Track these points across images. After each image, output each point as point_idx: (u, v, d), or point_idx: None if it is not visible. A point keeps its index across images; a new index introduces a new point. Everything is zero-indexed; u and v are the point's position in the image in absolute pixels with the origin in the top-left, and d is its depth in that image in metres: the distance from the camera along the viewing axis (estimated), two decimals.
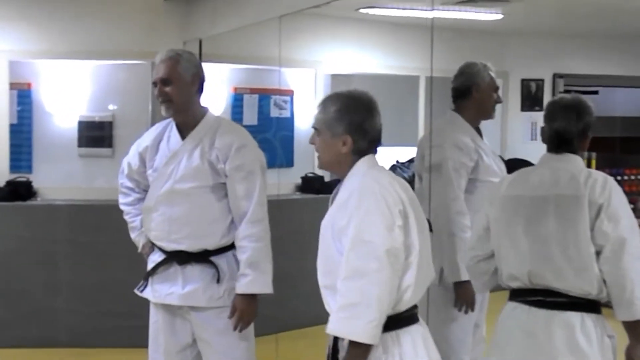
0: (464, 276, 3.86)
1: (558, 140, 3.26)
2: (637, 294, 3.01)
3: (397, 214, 2.63)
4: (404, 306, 2.67)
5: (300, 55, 7.38)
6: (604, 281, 3.05)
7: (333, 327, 2.60)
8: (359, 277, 2.55)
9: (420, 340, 2.72)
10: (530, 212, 3.20)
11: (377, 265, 2.55)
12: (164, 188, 3.60)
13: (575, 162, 3.21)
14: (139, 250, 3.86)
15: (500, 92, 4.27)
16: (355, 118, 2.74)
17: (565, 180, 3.16)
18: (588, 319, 3.08)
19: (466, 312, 4.01)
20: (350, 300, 2.55)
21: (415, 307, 2.76)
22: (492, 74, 4.18)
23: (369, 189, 2.66)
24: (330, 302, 2.69)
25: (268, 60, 6.85)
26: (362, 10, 7.00)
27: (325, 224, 2.75)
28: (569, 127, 3.23)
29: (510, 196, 3.31)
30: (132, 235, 3.87)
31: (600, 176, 3.12)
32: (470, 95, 4.16)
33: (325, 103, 2.81)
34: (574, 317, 3.08)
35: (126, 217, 3.89)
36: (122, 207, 3.90)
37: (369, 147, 2.79)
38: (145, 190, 3.85)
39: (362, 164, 2.76)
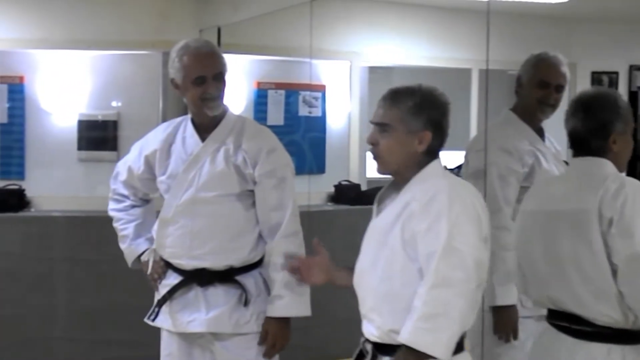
0: (501, 300, 3.91)
1: (573, 143, 3.27)
2: None
3: (485, 224, 2.82)
4: (466, 327, 2.81)
5: (334, 45, 7.42)
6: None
7: (410, 338, 2.70)
8: (447, 287, 2.69)
9: None
10: (546, 230, 3.23)
11: (465, 276, 2.70)
12: (184, 197, 3.65)
13: (597, 167, 3.19)
14: (130, 264, 3.92)
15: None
16: (434, 114, 2.88)
17: (577, 192, 3.16)
18: (616, 352, 3.08)
19: (507, 340, 4.05)
20: (434, 310, 2.68)
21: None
22: (548, 67, 4.18)
23: (458, 194, 2.80)
24: (384, 311, 2.83)
25: (297, 51, 6.92)
26: None
27: (390, 228, 2.84)
28: (577, 127, 3.23)
29: (528, 212, 3.37)
30: (123, 245, 3.93)
31: (615, 183, 3.07)
32: (517, 92, 4.24)
33: (396, 96, 2.90)
34: (599, 349, 3.09)
35: (116, 225, 3.94)
36: (111, 213, 3.96)
37: (439, 149, 2.92)
38: (142, 199, 3.94)
39: (437, 166, 2.90)
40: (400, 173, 2.92)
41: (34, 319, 6.14)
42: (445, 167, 2.98)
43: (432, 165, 2.90)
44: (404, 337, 2.71)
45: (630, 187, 3.06)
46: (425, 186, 2.83)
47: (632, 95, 8.93)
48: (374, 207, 3.04)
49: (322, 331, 6.15)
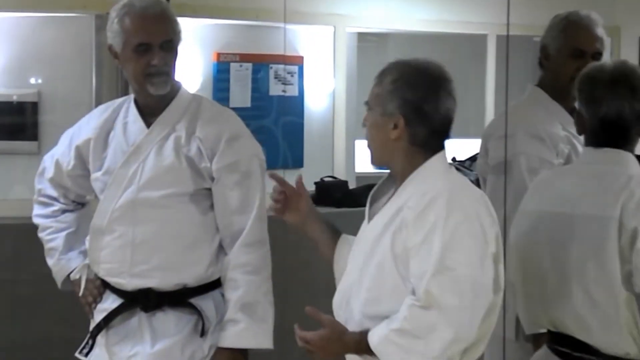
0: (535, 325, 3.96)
1: (604, 132, 3.29)
2: None
3: (492, 238, 2.88)
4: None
5: (314, 7, 7.48)
6: None
7: (379, 346, 2.84)
8: (435, 310, 2.76)
9: None
10: (552, 237, 3.30)
11: (458, 302, 2.77)
12: (122, 198, 3.65)
13: (619, 164, 3.25)
14: (59, 284, 3.90)
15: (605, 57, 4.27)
16: (410, 95, 2.91)
17: (595, 193, 3.22)
18: None
19: None
20: (415, 332, 2.79)
21: None
22: (582, 31, 4.20)
23: (458, 202, 2.85)
24: None
25: (267, 14, 6.95)
26: None
27: (380, 238, 2.92)
28: (622, 111, 3.25)
29: (530, 212, 3.45)
30: (50, 261, 3.92)
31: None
32: (542, 65, 4.29)
33: (383, 72, 2.98)
34: None
35: (42, 235, 3.93)
36: (36, 220, 3.96)
37: (432, 139, 2.95)
38: (75, 202, 3.94)
39: (436, 162, 2.95)
40: (389, 166, 3.02)
41: None
42: (453, 162, 3.01)
43: (432, 162, 2.95)
44: (373, 341, 2.85)
45: None
46: (421, 190, 2.89)
47: None
48: (367, 208, 3.09)
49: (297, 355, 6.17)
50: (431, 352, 2.78)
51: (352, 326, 2.95)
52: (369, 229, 2.99)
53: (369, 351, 2.85)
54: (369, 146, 3.02)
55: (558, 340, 3.33)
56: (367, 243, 2.96)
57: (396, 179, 3.01)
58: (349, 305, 2.98)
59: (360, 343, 2.87)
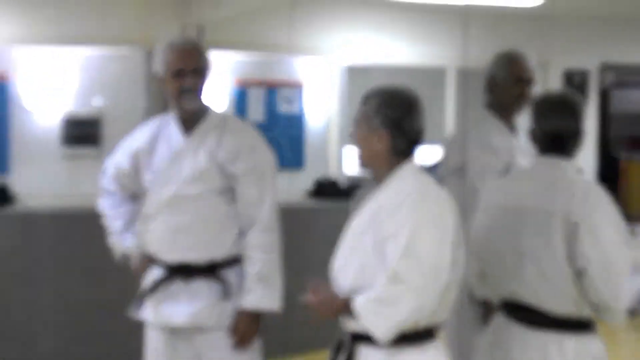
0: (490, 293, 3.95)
1: (549, 143, 3.33)
2: (623, 307, 3.14)
3: (451, 229, 2.90)
4: (436, 320, 2.96)
5: (314, 43, 7.46)
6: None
7: (360, 310, 2.87)
8: (402, 286, 2.82)
9: (442, 356, 3.01)
10: (511, 226, 3.30)
11: (421, 281, 2.82)
12: (166, 193, 3.67)
13: (563, 169, 3.27)
14: (117, 259, 3.92)
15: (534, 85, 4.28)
16: (392, 113, 2.94)
17: (543, 191, 3.24)
18: (569, 341, 3.20)
19: None
20: (387, 300, 2.84)
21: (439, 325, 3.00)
22: (520, 64, 4.22)
23: (424, 198, 2.90)
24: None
25: (277, 48, 6.95)
26: None
27: (364, 229, 2.94)
28: (560, 127, 3.30)
29: (493, 206, 3.44)
30: (111, 240, 3.93)
31: (581, 187, 3.18)
32: (489, 90, 4.28)
33: (368, 96, 3.01)
34: (552, 338, 3.21)
35: (105, 220, 3.94)
36: (101, 209, 3.96)
37: (407, 148, 2.98)
38: (130, 195, 3.92)
39: (409, 168, 2.98)
40: (373, 170, 3.03)
41: (18, 314, 6.08)
42: (421, 166, 3.02)
43: (405, 167, 2.98)
44: (355, 307, 2.88)
45: (596, 192, 3.17)
46: (395, 190, 2.93)
47: (603, 93, 9.01)
48: (353, 204, 3.11)
49: (302, 324, 6.15)
50: (398, 317, 2.82)
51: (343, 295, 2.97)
52: (355, 224, 3.01)
53: (352, 314, 2.89)
54: (358, 153, 3.04)
55: (512, 308, 3.33)
56: (353, 235, 2.99)
57: (376, 180, 3.02)
58: (338, 283, 3.00)
59: (346, 307, 2.90)
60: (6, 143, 6.78)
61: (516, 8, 7.65)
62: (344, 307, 2.92)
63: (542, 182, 3.28)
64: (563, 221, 3.12)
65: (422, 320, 2.89)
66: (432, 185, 2.99)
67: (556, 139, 3.32)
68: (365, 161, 3.03)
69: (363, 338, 2.93)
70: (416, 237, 2.81)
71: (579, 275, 3.12)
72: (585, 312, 3.17)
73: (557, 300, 3.17)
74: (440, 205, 2.92)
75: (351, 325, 2.95)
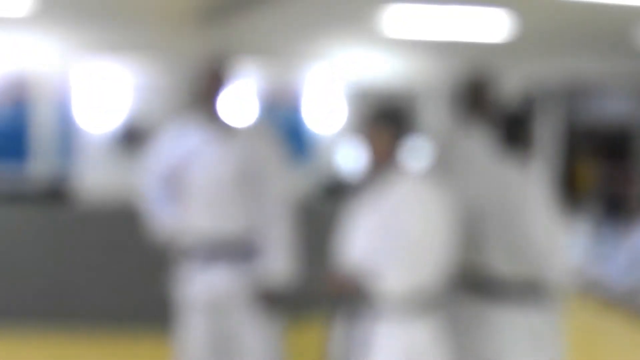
0: None
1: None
2: None
3: (449, 219, 3.17)
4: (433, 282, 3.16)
5: (319, 53, 7.61)
6: None
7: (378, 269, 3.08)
8: (413, 269, 3.08)
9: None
10: (476, 212, 3.58)
11: (431, 269, 3.10)
12: (199, 186, 3.82)
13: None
14: (161, 241, 4.01)
15: None
16: (398, 123, 3.22)
17: (505, 185, 3.54)
18: (521, 314, 3.48)
19: None
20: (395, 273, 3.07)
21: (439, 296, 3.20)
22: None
23: (426, 194, 3.16)
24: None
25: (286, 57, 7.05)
26: None
27: (372, 221, 3.17)
28: None
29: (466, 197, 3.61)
30: (154, 226, 3.99)
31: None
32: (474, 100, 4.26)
33: (377, 110, 3.26)
34: (505, 310, 3.49)
35: (146, 206, 3.99)
36: (145, 201, 4.01)
37: (403, 150, 3.24)
38: (170, 188, 3.99)
39: (407, 166, 3.22)
40: (379, 168, 3.22)
41: (60, 267, 6.15)
42: (412, 166, 3.33)
43: (404, 167, 3.20)
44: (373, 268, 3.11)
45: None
46: (402, 188, 3.15)
47: None
48: (354, 199, 3.31)
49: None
50: (402, 283, 3.07)
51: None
52: (365, 217, 3.19)
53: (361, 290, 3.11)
54: (368, 155, 3.23)
55: (471, 282, 3.55)
56: (368, 228, 3.18)
57: (378, 178, 3.21)
58: (362, 264, 3.17)
59: (358, 287, 3.13)
60: (69, 150, 6.91)
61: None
62: (356, 288, 3.12)
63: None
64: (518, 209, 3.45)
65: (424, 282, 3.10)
66: (430, 182, 3.23)
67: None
68: (374, 162, 3.21)
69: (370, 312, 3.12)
70: (420, 225, 3.08)
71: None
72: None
73: (510, 265, 3.45)
74: (440, 198, 3.17)
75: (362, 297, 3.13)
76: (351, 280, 3.15)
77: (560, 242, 3.46)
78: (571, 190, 9.85)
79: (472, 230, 3.52)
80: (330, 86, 8.07)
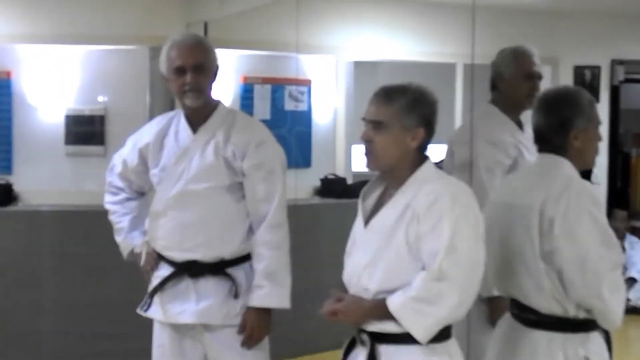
0: (497, 291, 3.96)
1: (536, 139, 3.34)
2: (611, 307, 3.10)
3: (481, 225, 2.94)
4: (458, 320, 2.96)
5: (320, 40, 7.47)
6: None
7: (398, 311, 2.85)
8: (445, 281, 2.82)
9: (460, 354, 3.04)
10: (502, 222, 3.31)
11: (463, 275, 2.85)
12: (174, 190, 3.68)
13: (554, 165, 3.24)
14: (125, 257, 3.95)
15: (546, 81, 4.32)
16: (426, 111, 2.96)
17: (528, 188, 3.24)
18: (557, 339, 3.18)
19: None
20: (428, 297, 2.83)
21: None
22: (528, 60, 4.25)
23: (458, 196, 2.91)
24: None
25: (283, 46, 6.96)
26: None
27: (393, 229, 2.91)
28: (540, 124, 3.30)
29: (492, 202, 3.47)
30: (118, 238, 3.95)
31: (560, 184, 3.13)
32: (496, 86, 4.30)
33: (389, 94, 2.96)
34: (541, 336, 3.20)
35: (112, 217, 3.96)
36: (107, 206, 3.98)
37: (428, 145, 3.00)
38: (138, 192, 3.96)
39: (430, 166, 2.99)
40: (394, 170, 2.98)
41: (22, 313, 6.13)
42: (438, 164, 3.04)
43: (427, 166, 2.98)
44: (393, 306, 2.86)
45: (576, 189, 3.12)
46: (425, 189, 2.90)
47: (614, 89, 9.02)
48: (359, 204, 3.09)
49: (309, 324, 6.16)
50: (440, 314, 2.84)
51: (366, 295, 2.95)
52: (378, 223, 2.97)
53: (387, 315, 2.86)
54: (375, 154, 2.97)
55: (513, 304, 3.35)
56: (381, 233, 2.94)
57: (392, 179, 3.00)
58: (360, 283, 2.97)
59: (378, 308, 2.88)
60: (10, 141, 6.77)
61: (524, 3, 7.66)
62: (375, 308, 2.91)
63: (534, 177, 3.28)
64: (540, 215, 3.11)
65: (458, 318, 2.91)
66: (460, 184, 3.02)
67: (538, 136, 3.32)
68: (390, 162, 2.96)
69: (385, 338, 2.92)
70: (457, 234, 2.82)
71: (559, 273, 3.10)
72: (571, 312, 3.14)
73: (541, 297, 3.16)
74: (472, 202, 2.94)
75: (374, 326, 2.94)
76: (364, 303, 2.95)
77: (608, 261, 3.12)
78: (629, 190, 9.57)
79: (501, 250, 3.34)
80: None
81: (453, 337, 3.01)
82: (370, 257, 2.95)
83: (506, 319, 3.43)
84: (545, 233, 3.11)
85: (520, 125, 4.32)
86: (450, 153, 4.40)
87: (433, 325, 2.85)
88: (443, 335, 2.93)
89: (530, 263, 3.16)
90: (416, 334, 2.84)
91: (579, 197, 3.10)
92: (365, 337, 2.96)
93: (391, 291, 2.88)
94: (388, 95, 2.96)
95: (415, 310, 2.83)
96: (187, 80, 3.62)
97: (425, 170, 2.97)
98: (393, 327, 2.88)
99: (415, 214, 2.88)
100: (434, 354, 2.90)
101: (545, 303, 3.15)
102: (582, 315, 3.16)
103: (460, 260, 2.83)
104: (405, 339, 2.87)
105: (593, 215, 3.09)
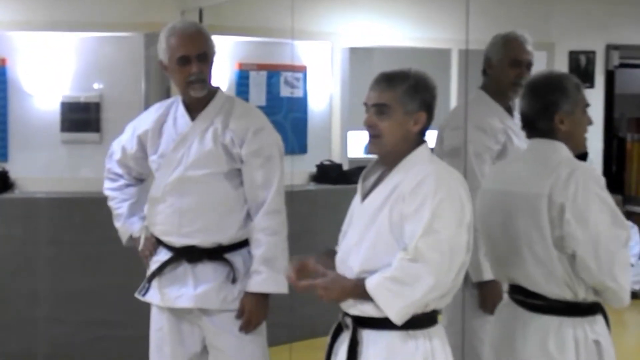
0: (487, 275, 3.96)
1: (524, 124, 3.37)
2: (623, 285, 3.13)
3: (468, 211, 2.93)
4: (441, 305, 2.97)
5: (315, 26, 7.47)
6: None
7: (374, 290, 2.87)
8: (421, 263, 2.83)
9: (445, 340, 3.04)
10: (504, 210, 3.32)
11: (440, 258, 2.84)
12: (173, 176, 3.70)
13: (551, 151, 3.26)
14: (124, 242, 3.97)
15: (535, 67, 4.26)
16: (427, 96, 3.00)
17: (531, 175, 3.25)
18: (567, 324, 3.20)
19: (492, 313, 4.15)
20: (404, 279, 2.84)
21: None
22: (517, 46, 4.26)
23: (445, 180, 2.92)
24: None
25: (278, 32, 6.95)
26: None
27: (379, 209, 2.95)
28: (526, 109, 3.33)
29: (488, 190, 3.48)
30: (117, 224, 3.97)
31: (566, 169, 3.15)
32: (486, 72, 4.34)
33: (390, 79, 3.00)
34: (550, 321, 3.22)
35: (111, 203, 3.98)
36: (106, 192, 4.00)
37: (427, 129, 3.04)
38: (137, 178, 3.98)
39: (424, 150, 3.02)
40: (394, 153, 3.00)
41: (18, 300, 6.15)
42: (431, 150, 3.07)
43: (421, 149, 3.00)
44: (369, 286, 2.88)
45: (581, 173, 3.14)
46: (414, 171, 2.94)
47: (609, 74, 9.04)
48: (359, 184, 3.12)
49: (306, 309, 6.20)
50: (415, 296, 2.83)
51: (350, 277, 2.97)
52: (367, 203, 3.01)
53: (365, 294, 2.88)
54: (380, 138, 2.99)
55: (514, 291, 3.36)
56: (368, 214, 2.98)
57: (387, 162, 3.03)
58: (347, 262, 3.00)
59: (357, 287, 2.90)
60: (5, 129, 6.77)
61: None
62: (354, 287, 2.92)
63: (532, 164, 3.28)
64: (549, 202, 3.13)
65: (432, 303, 2.90)
66: (449, 168, 3.04)
67: (524, 121, 3.35)
68: (392, 144, 2.99)
69: (367, 323, 2.95)
70: (437, 216, 2.83)
71: (571, 258, 3.12)
72: (581, 295, 3.16)
73: (551, 283, 3.18)
74: (458, 186, 2.95)
75: (356, 309, 2.96)
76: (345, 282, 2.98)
77: (620, 240, 3.16)
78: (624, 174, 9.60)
79: (503, 237, 3.35)
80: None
81: (440, 324, 3.02)
82: (357, 237, 3.00)
83: (506, 305, 3.43)
84: (556, 219, 3.12)
85: (510, 111, 4.33)
86: (440, 139, 4.41)
87: (407, 307, 2.85)
88: (426, 320, 2.95)
89: (540, 251, 3.17)
90: (390, 314, 2.86)
91: (585, 180, 3.12)
92: (348, 320, 2.99)
93: (373, 272, 2.90)
94: (390, 80, 2.99)
95: (390, 290, 2.84)
96: (192, 70, 3.63)
97: (418, 153, 2.99)
98: (373, 310, 2.90)
99: (401, 195, 2.91)
100: (413, 340, 2.92)
101: (557, 289, 3.16)
102: (590, 298, 3.18)
103: (438, 242, 2.83)
104: (385, 324, 2.89)
105: (601, 197, 3.12)
